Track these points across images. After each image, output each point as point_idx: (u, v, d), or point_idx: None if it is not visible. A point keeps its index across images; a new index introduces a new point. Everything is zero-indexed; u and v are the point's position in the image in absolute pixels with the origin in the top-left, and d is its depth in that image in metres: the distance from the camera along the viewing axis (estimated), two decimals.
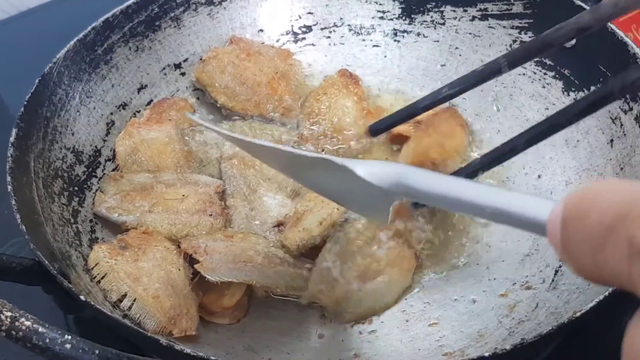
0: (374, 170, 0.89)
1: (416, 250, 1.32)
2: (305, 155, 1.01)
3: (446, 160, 1.42)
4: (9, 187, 1.22)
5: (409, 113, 1.38)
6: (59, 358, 0.88)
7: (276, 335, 1.27)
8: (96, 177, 1.45)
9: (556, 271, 1.30)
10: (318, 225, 1.32)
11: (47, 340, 0.88)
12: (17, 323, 0.88)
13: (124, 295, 1.23)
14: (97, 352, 0.89)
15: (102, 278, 1.25)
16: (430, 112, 1.45)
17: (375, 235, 1.28)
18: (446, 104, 1.51)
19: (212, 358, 1.01)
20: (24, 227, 1.16)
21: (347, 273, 1.26)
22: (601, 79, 1.44)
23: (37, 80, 1.39)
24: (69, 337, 0.89)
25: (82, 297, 1.09)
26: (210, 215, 1.37)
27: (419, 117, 1.46)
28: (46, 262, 1.13)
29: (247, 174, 1.45)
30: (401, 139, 1.52)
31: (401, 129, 1.51)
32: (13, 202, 1.19)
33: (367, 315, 1.28)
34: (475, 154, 1.50)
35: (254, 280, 1.26)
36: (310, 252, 1.33)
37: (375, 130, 1.43)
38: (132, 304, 1.22)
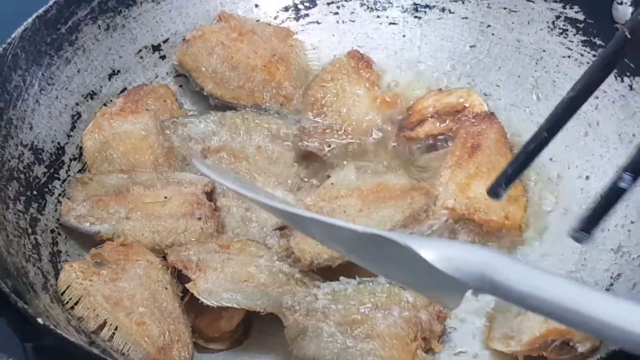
0: (448, 254, 0.82)
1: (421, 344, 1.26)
2: (356, 230, 0.90)
3: (489, 210, 1.38)
4: None
5: (523, 163, 1.31)
6: None
7: (282, 357, 1.26)
8: (59, 179, 1.42)
9: (607, 290, 1.28)
10: None
11: None
12: None
13: (104, 323, 1.20)
14: None
15: (75, 303, 1.22)
16: (467, 112, 1.48)
17: (388, 305, 1.24)
18: (484, 106, 1.51)
19: None
20: None
21: (332, 313, 1.23)
22: None
23: None
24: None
25: (39, 320, 1.06)
26: (199, 218, 1.35)
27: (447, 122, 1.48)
28: None
29: (238, 168, 1.44)
30: (421, 144, 1.51)
31: (427, 129, 1.50)
32: None
33: None
34: None
35: (257, 306, 1.24)
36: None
37: (495, 192, 1.38)
38: (114, 332, 1.19)
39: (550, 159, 1.47)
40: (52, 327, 1.06)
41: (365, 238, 0.88)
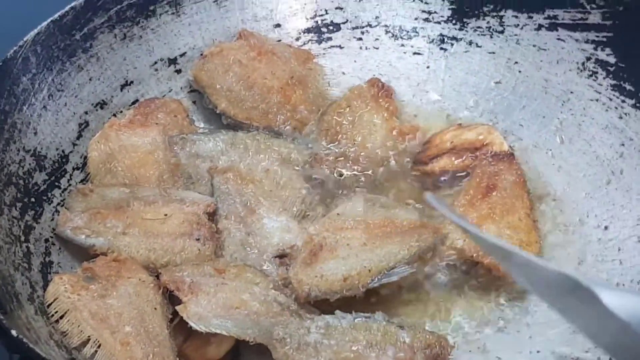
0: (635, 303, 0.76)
1: None
2: (541, 267, 0.86)
3: (499, 266, 1.34)
4: None
5: None
6: None
7: None
8: (59, 188, 1.42)
9: None
10: (341, 282, 1.28)
11: None
12: None
13: (87, 340, 1.19)
14: None
15: (61, 317, 1.21)
16: (486, 151, 1.47)
17: (384, 344, 1.22)
18: (505, 145, 1.49)
19: None
20: None
21: (324, 349, 1.20)
22: None
23: None
24: None
25: (13, 332, 1.05)
26: (198, 239, 1.34)
27: (464, 158, 1.47)
28: None
29: (244, 190, 1.42)
30: (435, 179, 1.50)
31: (442, 165, 1.49)
32: None
33: None
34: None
35: (247, 334, 1.21)
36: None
37: None
38: (97, 351, 1.18)
39: (569, 206, 1.45)
40: (24, 340, 1.04)
41: (550, 276, 0.84)
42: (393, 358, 1.20)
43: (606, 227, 1.42)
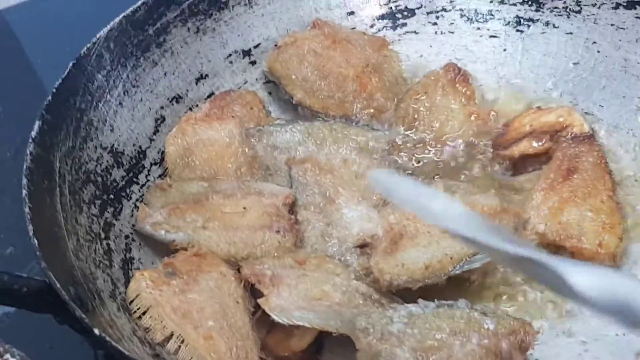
0: (602, 282, 0.75)
1: None
2: (507, 252, 0.85)
3: (582, 237, 1.31)
4: (24, 192, 1.16)
5: None
6: None
7: None
8: (138, 184, 1.40)
9: None
10: (423, 270, 1.24)
11: None
12: None
13: (170, 336, 1.17)
14: None
15: (143, 313, 1.19)
16: (566, 133, 1.42)
17: (467, 332, 1.17)
18: (585, 126, 1.43)
19: None
20: (35, 240, 1.10)
21: (407, 338, 1.15)
22: None
23: (70, 64, 1.34)
24: None
25: (95, 331, 1.02)
26: (278, 231, 1.31)
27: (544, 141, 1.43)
28: (57, 284, 1.06)
29: (322, 181, 1.39)
30: (515, 163, 1.46)
31: (522, 148, 1.44)
32: (27, 209, 1.13)
33: None
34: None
35: (330, 326, 1.18)
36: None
37: None
38: (180, 346, 1.16)
39: None
40: (107, 338, 1.02)
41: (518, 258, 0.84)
42: (477, 345, 1.15)
43: None
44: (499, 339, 1.16)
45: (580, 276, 0.75)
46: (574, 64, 1.56)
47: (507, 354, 1.16)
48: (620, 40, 1.53)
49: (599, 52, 1.54)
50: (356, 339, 1.15)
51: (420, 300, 1.20)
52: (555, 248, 1.31)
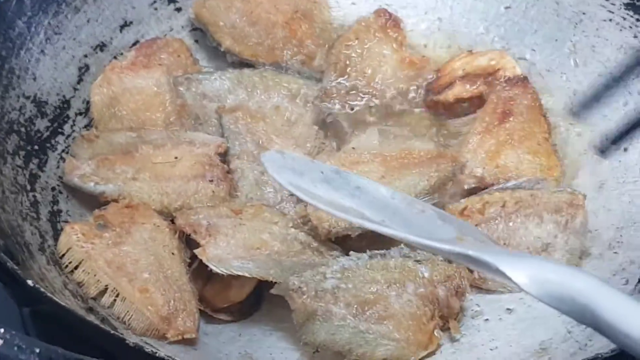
0: (540, 276, 0.76)
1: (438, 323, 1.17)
2: (444, 251, 0.89)
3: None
4: None
5: None
6: None
7: (280, 341, 1.17)
8: (63, 134, 1.34)
9: None
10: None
11: None
12: None
13: (105, 289, 1.13)
14: (37, 350, 0.81)
15: (75, 267, 1.15)
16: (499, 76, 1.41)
17: (402, 281, 1.15)
18: (517, 69, 1.42)
19: None
20: None
21: (342, 294, 1.13)
22: None
23: None
24: (1, 330, 0.81)
25: (29, 282, 0.99)
26: (211, 181, 1.28)
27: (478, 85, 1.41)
28: None
29: (255, 128, 1.36)
30: (449, 108, 1.43)
31: (456, 92, 1.42)
32: None
33: (349, 356, 1.13)
34: None
35: (270, 275, 1.16)
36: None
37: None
38: (115, 300, 1.12)
39: (587, 129, 1.38)
40: (42, 289, 0.99)
41: (455, 257, 0.89)
42: (414, 294, 1.14)
43: (626, 149, 1.35)
44: (435, 286, 1.15)
45: (518, 270, 0.77)
46: (506, 7, 1.53)
47: (444, 301, 1.15)
48: None
49: None
50: (290, 299, 1.14)
51: (352, 252, 1.18)
52: None
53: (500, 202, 1.24)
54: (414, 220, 0.98)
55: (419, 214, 0.99)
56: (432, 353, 1.14)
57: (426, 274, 1.15)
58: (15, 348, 0.80)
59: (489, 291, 1.22)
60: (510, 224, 1.23)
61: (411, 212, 0.99)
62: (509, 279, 0.76)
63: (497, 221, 1.22)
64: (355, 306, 1.12)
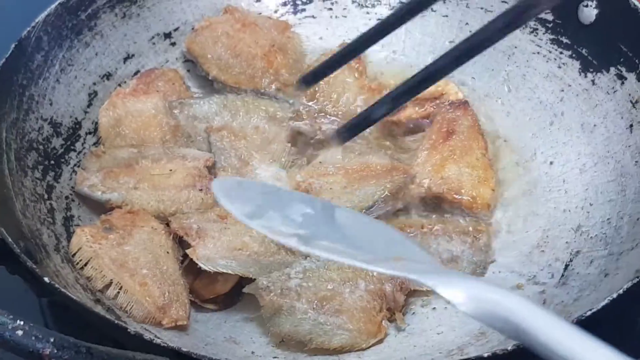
0: (475, 297, 0.75)
1: (386, 315, 1.23)
2: (385, 272, 0.96)
3: (461, 190, 1.37)
4: None
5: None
6: (8, 345, 0.83)
7: (259, 327, 1.23)
8: (75, 151, 1.40)
9: (566, 266, 1.27)
10: None
11: None
12: None
13: (110, 283, 1.19)
14: (52, 339, 0.85)
15: (85, 264, 1.21)
16: (444, 100, 1.48)
17: (355, 279, 1.22)
18: (459, 94, 1.50)
19: (184, 350, 0.97)
20: None
21: (304, 291, 1.20)
22: (622, 59, 1.38)
23: (12, 45, 1.33)
24: (21, 322, 0.84)
25: (46, 279, 1.04)
26: (200, 190, 1.34)
27: (425, 107, 1.47)
28: (9, 239, 1.08)
29: (237, 145, 1.41)
30: (401, 126, 1.49)
31: (408, 114, 1.48)
32: None
33: (310, 345, 1.18)
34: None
35: (250, 272, 1.22)
36: None
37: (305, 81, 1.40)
38: (118, 292, 1.18)
39: (518, 146, 1.46)
40: (56, 285, 1.04)
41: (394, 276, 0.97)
42: (365, 290, 1.20)
43: (551, 162, 1.42)
44: (383, 283, 1.21)
45: (454, 291, 0.76)
46: (450, 42, 1.57)
47: (391, 296, 1.21)
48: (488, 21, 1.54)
49: (470, 32, 1.46)
50: (259, 297, 1.19)
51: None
52: (439, 200, 1.36)
53: (419, 225, 1.31)
54: (357, 242, 0.96)
55: (362, 232, 1.00)
56: (381, 341, 1.19)
57: (375, 273, 1.21)
58: (33, 338, 0.84)
59: None
60: (426, 237, 1.30)
61: (356, 232, 0.99)
62: (446, 299, 0.76)
63: (415, 237, 1.29)
64: (315, 302, 1.18)
